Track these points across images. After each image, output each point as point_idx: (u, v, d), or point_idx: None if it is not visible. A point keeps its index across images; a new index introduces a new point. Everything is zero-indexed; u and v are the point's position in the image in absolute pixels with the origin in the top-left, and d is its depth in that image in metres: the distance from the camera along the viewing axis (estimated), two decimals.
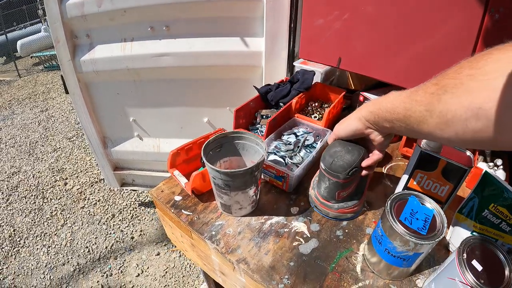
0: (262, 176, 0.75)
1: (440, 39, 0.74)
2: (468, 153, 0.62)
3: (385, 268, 0.56)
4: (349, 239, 0.64)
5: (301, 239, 0.64)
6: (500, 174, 0.80)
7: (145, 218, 2.10)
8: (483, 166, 0.83)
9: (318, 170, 0.67)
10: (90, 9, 1.31)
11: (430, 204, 0.54)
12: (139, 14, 1.29)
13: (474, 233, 0.59)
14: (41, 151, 2.89)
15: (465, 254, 0.46)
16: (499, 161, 0.84)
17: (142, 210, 2.17)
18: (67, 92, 1.56)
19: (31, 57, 5.62)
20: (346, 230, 0.66)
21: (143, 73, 1.43)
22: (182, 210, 0.72)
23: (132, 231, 2.02)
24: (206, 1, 1.20)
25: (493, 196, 0.56)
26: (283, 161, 0.75)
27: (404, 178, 0.66)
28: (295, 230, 0.66)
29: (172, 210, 0.73)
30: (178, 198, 0.76)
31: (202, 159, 0.60)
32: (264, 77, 1.32)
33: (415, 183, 0.65)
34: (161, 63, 1.35)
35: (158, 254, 1.86)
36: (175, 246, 0.91)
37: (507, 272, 0.44)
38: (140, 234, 1.99)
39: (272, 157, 0.76)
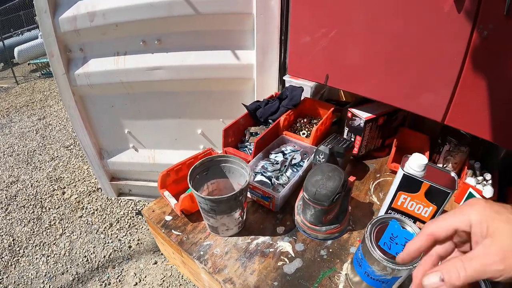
0: (250, 195, 0.77)
1: (428, 56, 0.75)
2: (453, 174, 0.62)
3: None
4: (333, 258, 0.66)
5: (286, 259, 0.66)
6: (488, 190, 0.78)
7: (142, 227, 2.12)
8: (471, 181, 0.82)
9: (301, 195, 0.67)
10: (82, 24, 1.32)
11: (411, 228, 0.55)
12: (130, 29, 1.30)
13: None
14: (39, 160, 2.90)
15: None
16: (488, 176, 0.83)
17: (140, 219, 2.18)
18: None
19: (29, 64, 5.63)
20: (330, 250, 0.67)
21: (137, 86, 1.45)
22: (172, 230, 0.74)
23: (130, 240, 2.03)
24: (196, 15, 1.21)
25: None
26: (269, 182, 0.77)
27: (388, 199, 0.67)
28: (280, 250, 0.67)
29: (163, 230, 0.74)
30: (168, 218, 0.77)
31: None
32: (256, 90, 1.34)
33: (399, 203, 0.66)
34: (154, 76, 1.37)
35: (156, 263, 1.87)
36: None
37: None
38: (138, 243, 2.01)
39: (258, 177, 0.77)
